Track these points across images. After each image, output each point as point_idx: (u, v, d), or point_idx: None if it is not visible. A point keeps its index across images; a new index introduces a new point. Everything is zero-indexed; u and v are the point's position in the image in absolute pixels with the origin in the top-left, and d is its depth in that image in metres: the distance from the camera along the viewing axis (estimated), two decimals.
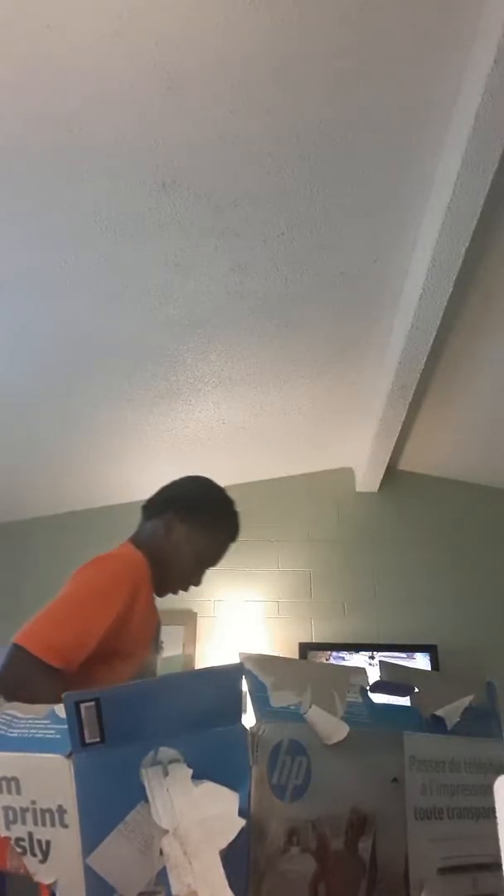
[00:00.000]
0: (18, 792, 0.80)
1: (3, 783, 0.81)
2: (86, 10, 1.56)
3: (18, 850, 0.80)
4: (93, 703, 0.76)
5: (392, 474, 3.75)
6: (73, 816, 0.77)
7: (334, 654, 3.34)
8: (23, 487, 3.52)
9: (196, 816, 0.74)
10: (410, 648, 3.33)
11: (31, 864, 0.79)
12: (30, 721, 0.85)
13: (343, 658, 3.30)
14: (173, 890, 0.71)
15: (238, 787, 0.75)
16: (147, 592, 1.37)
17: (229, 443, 3.26)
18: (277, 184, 2.02)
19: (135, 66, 1.68)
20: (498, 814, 0.65)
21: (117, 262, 2.24)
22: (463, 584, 3.60)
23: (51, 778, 0.79)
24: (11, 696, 1.20)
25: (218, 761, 0.77)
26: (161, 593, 1.48)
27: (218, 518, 1.52)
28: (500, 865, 0.70)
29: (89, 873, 0.75)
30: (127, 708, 0.79)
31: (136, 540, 1.50)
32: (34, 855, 0.79)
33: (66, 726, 0.77)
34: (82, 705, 0.77)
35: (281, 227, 2.17)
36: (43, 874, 0.78)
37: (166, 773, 0.76)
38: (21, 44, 1.62)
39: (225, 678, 0.81)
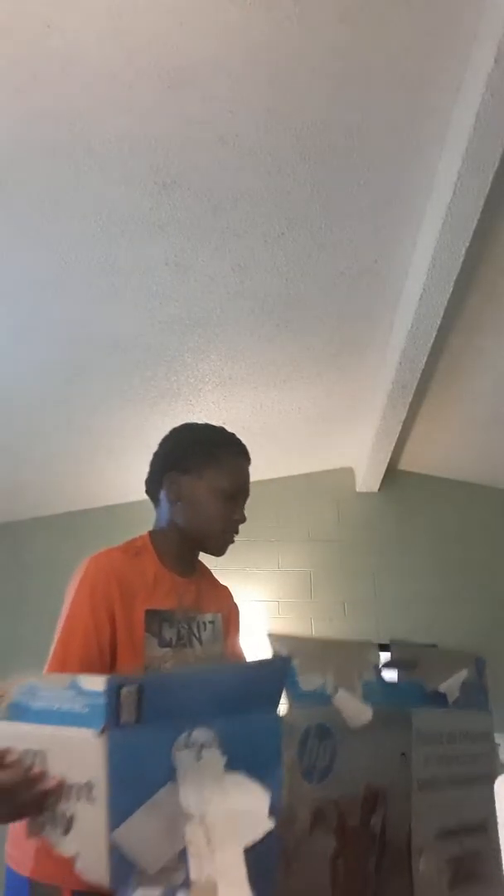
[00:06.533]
0: (45, 766, 0.79)
1: (29, 756, 0.79)
2: (86, 10, 1.56)
3: (39, 822, 0.80)
4: (135, 688, 0.76)
5: (392, 474, 3.75)
6: (101, 792, 0.76)
7: None
8: (23, 487, 3.52)
9: (224, 807, 0.73)
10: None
11: (51, 836, 0.79)
12: (53, 692, 0.83)
13: None
14: (192, 876, 0.71)
15: (271, 772, 0.75)
16: (129, 583, 1.31)
17: None
18: (277, 184, 2.02)
19: (135, 66, 1.68)
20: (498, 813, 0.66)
21: (117, 262, 2.24)
22: (463, 583, 3.60)
23: (81, 753, 0.77)
24: None
25: (253, 747, 0.77)
26: (217, 552, 1.43)
27: (215, 447, 1.45)
28: (485, 827, 0.72)
29: (114, 848, 0.75)
30: (168, 693, 0.78)
31: (154, 527, 1.46)
32: (55, 828, 0.79)
33: (93, 700, 0.76)
34: (124, 689, 0.76)
35: (281, 227, 2.17)
36: (64, 846, 0.79)
37: (199, 758, 0.75)
38: (21, 44, 1.61)
39: (270, 671, 0.83)
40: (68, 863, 1.18)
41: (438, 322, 2.41)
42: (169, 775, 0.75)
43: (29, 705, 0.83)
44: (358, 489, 3.80)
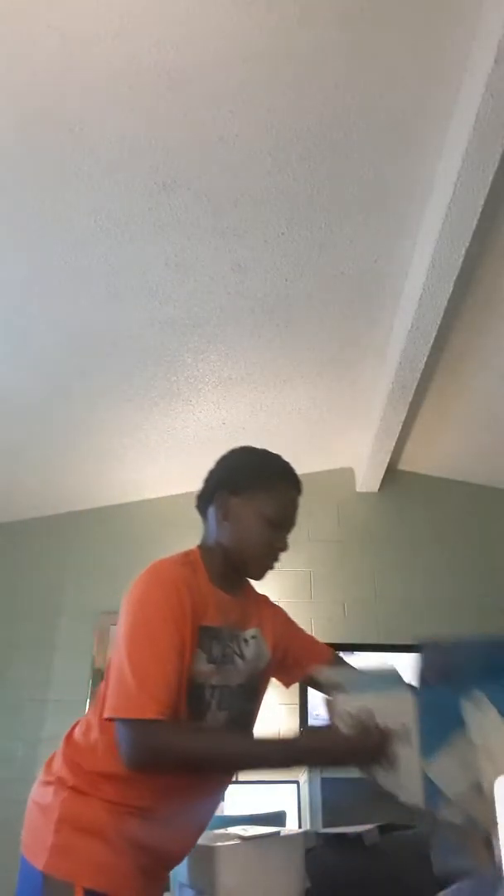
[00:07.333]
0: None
1: (365, 714, 1.18)
2: (86, 10, 1.56)
3: (375, 766, 1.15)
4: (437, 653, 1.23)
5: (392, 474, 3.75)
6: (414, 736, 1.14)
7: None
8: (23, 487, 3.52)
9: (499, 738, 1.10)
10: (410, 648, 3.33)
11: (380, 776, 1.16)
12: (371, 672, 1.38)
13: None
14: (483, 783, 1.07)
15: None
16: (192, 595, 1.30)
17: (229, 443, 3.22)
18: (277, 184, 2.02)
19: (135, 66, 1.68)
20: (498, 813, 0.66)
21: (117, 262, 2.25)
22: (463, 584, 3.60)
23: (400, 708, 1.17)
24: (155, 768, 1.20)
25: None
26: (256, 576, 1.45)
27: (268, 474, 1.46)
28: None
29: (426, 779, 1.12)
30: (454, 660, 1.20)
31: (202, 543, 1.46)
32: (384, 768, 1.15)
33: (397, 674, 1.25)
34: (428, 652, 1.22)
35: (281, 227, 2.17)
36: (391, 781, 1.15)
37: (480, 709, 1.13)
38: (21, 44, 1.62)
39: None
40: (82, 860, 1.17)
41: (438, 322, 2.41)
42: (458, 723, 1.12)
43: (354, 682, 1.27)
44: (358, 489, 3.80)
